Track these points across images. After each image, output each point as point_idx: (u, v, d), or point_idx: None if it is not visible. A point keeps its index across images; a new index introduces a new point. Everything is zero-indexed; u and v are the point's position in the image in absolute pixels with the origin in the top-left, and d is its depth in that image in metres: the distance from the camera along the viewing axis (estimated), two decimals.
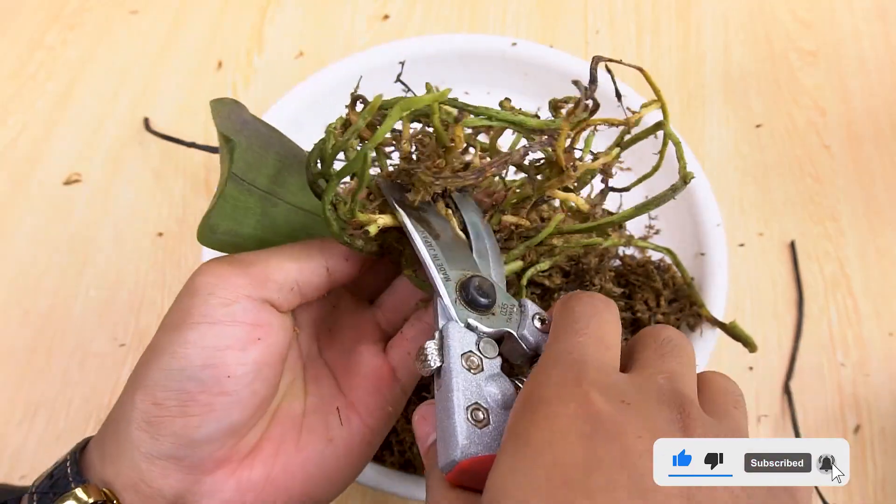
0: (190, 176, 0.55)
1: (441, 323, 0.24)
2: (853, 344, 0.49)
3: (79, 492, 0.23)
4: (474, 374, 0.23)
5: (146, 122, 0.56)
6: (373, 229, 0.25)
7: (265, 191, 0.27)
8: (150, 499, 0.24)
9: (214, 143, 0.55)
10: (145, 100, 0.58)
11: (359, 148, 0.27)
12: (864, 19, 0.63)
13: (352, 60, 0.52)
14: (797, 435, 0.45)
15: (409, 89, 0.53)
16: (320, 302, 0.29)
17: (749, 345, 0.40)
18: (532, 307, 0.26)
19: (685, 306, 0.43)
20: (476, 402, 0.23)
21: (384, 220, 0.26)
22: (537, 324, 0.26)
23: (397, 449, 0.39)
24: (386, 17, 0.63)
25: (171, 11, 0.63)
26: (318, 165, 0.26)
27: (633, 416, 0.19)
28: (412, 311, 0.30)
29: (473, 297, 0.25)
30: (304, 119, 0.51)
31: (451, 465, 0.21)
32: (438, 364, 0.23)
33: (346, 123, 0.27)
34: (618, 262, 0.46)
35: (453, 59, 0.54)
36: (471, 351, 0.24)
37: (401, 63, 0.46)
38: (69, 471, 0.24)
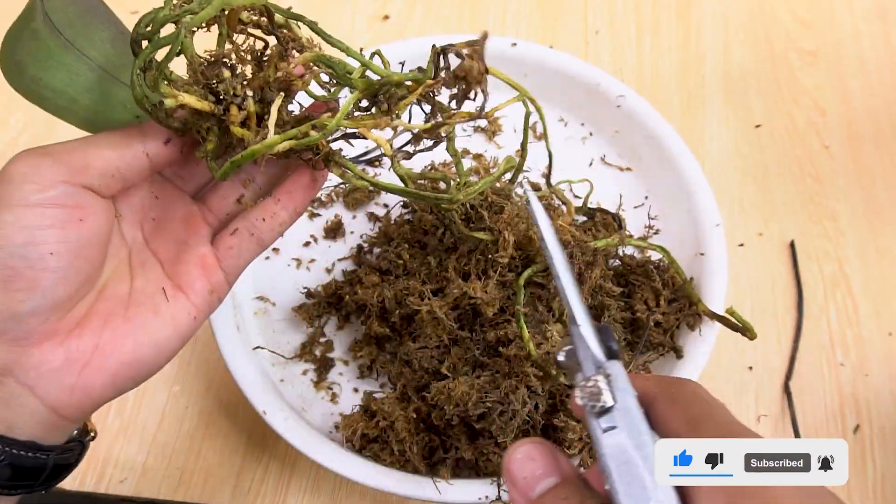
0: None
1: (591, 359, 0.23)
2: (853, 344, 0.49)
3: None
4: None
5: None
6: (169, 103, 0.26)
7: (105, 70, 0.28)
8: None
9: None
10: None
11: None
12: (864, 19, 0.63)
13: (352, 60, 0.52)
14: (797, 435, 0.45)
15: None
16: (142, 191, 0.31)
17: (748, 331, 0.40)
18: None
19: (684, 306, 0.43)
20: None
21: (187, 99, 0.26)
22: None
23: (397, 449, 0.39)
24: (386, 17, 0.63)
25: None
26: (147, 28, 0.27)
27: None
28: (234, 210, 0.32)
29: (611, 346, 0.23)
30: None
31: None
32: (612, 403, 0.21)
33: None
34: (617, 262, 0.46)
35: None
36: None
37: (401, 63, 0.46)
38: None
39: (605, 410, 0.21)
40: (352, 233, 0.50)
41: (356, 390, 0.45)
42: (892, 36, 0.62)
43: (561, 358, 0.24)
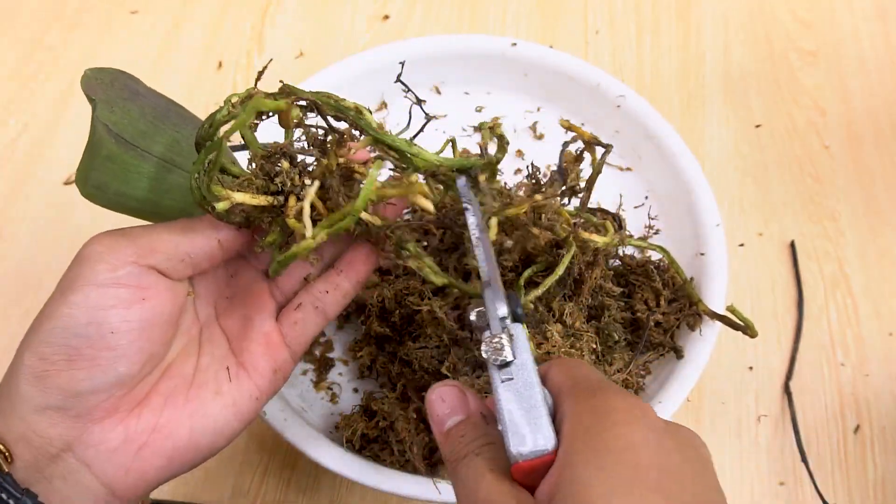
0: None
1: (498, 319, 0.26)
2: (853, 344, 0.49)
3: None
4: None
5: None
6: (221, 206, 0.27)
7: (161, 158, 0.29)
8: (40, 448, 0.26)
9: None
10: None
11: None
12: (864, 19, 0.63)
13: (352, 61, 0.52)
14: (797, 435, 0.45)
15: (408, 89, 0.53)
16: (218, 271, 0.31)
17: (749, 329, 0.40)
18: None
19: (685, 306, 0.43)
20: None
21: (240, 198, 0.27)
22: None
23: (397, 449, 0.39)
24: (386, 17, 0.63)
25: (171, 11, 0.63)
26: (209, 129, 0.28)
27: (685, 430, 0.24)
28: (301, 286, 0.33)
29: (517, 311, 0.27)
30: None
31: (534, 455, 0.23)
32: (512, 358, 0.25)
33: (248, 97, 0.28)
34: (617, 262, 0.46)
35: (453, 59, 0.54)
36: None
37: (401, 63, 0.46)
38: None
39: (505, 364, 0.25)
40: None
41: (356, 390, 0.45)
42: (892, 36, 0.62)
43: (472, 318, 0.27)
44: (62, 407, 0.26)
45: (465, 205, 0.29)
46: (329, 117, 0.29)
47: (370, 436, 0.41)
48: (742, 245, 0.52)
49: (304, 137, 0.29)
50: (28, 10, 0.63)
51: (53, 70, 0.59)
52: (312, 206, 0.28)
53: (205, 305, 0.31)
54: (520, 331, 0.25)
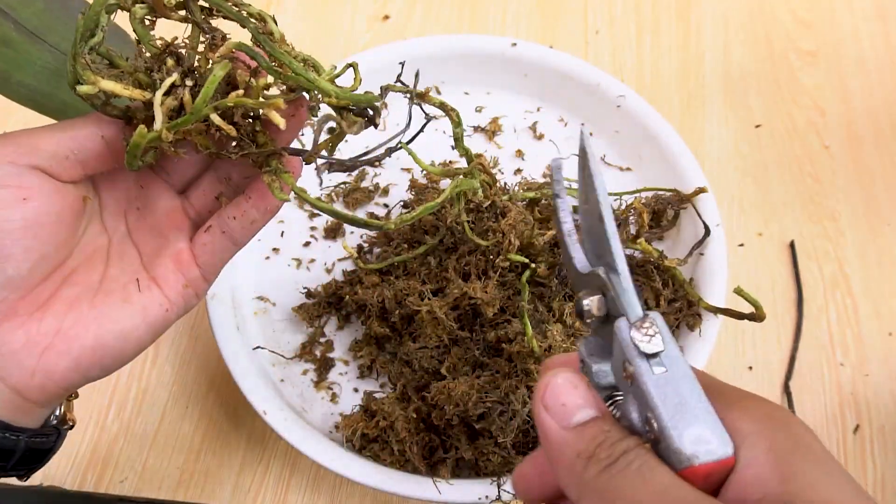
0: None
1: (640, 305, 0.22)
2: (852, 344, 0.49)
3: None
4: None
5: None
6: (84, 89, 0.25)
7: (66, 54, 0.28)
8: None
9: None
10: None
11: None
12: (864, 19, 0.63)
13: (352, 60, 0.52)
14: None
15: (408, 89, 0.53)
16: (127, 182, 0.31)
17: (757, 310, 0.40)
18: None
19: (684, 306, 0.43)
20: None
21: (108, 85, 0.26)
22: None
23: (397, 449, 0.39)
24: (386, 17, 0.63)
25: None
26: (93, 14, 0.26)
27: None
28: (215, 206, 0.31)
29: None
30: None
31: (715, 458, 0.19)
32: (663, 347, 0.20)
33: None
34: None
35: (453, 59, 0.54)
36: None
37: (401, 63, 0.46)
38: None
39: (655, 354, 0.20)
40: (352, 233, 0.50)
41: (356, 390, 0.45)
42: (892, 36, 0.62)
43: (588, 305, 0.22)
44: None
45: (591, 168, 0.24)
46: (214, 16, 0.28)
47: (370, 436, 0.41)
48: (742, 245, 0.52)
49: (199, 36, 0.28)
50: None
51: None
52: (182, 107, 0.27)
53: (113, 216, 0.31)
54: (660, 319, 0.21)
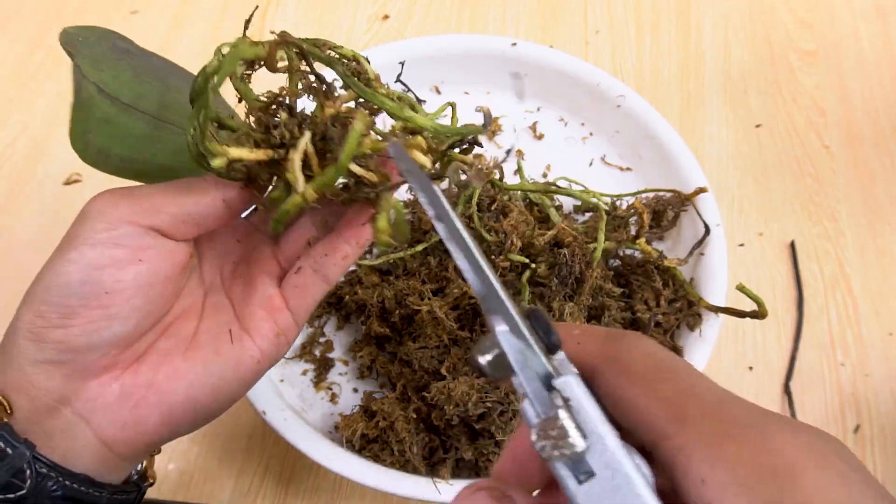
0: None
1: (534, 379, 0.17)
2: (853, 344, 0.49)
3: None
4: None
5: None
6: (217, 163, 0.25)
7: (159, 119, 0.28)
8: (36, 399, 0.26)
9: None
10: None
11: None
12: (864, 19, 0.63)
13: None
14: None
15: (408, 89, 0.53)
16: (226, 235, 0.31)
17: (760, 307, 0.40)
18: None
19: (685, 306, 0.43)
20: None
21: (237, 153, 0.26)
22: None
23: (397, 449, 0.39)
24: (386, 17, 0.63)
25: (170, 11, 0.63)
26: (200, 82, 0.26)
27: None
28: (304, 250, 0.31)
29: (550, 338, 0.18)
30: None
31: None
32: (584, 446, 0.16)
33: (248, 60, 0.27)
34: (618, 262, 0.46)
35: (453, 59, 0.54)
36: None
37: (401, 63, 0.46)
38: None
39: (575, 457, 0.16)
40: None
41: (356, 390, 0.45)
42: (892, 36, 0.62)
43: (482, 363, 0.17)
44: (58, 361, 0.26)
45: (407, 176, 0.21)
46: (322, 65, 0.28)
47: (370, 436, 0.41)
48: (742, 245, 0.52)
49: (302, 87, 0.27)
50: (28, 10, 0.63)
51: (53, 70, 0.59)
52: (309, 162, 0.26)
53: (210, 269, 0.31)
54: (576, 386, 0.17)
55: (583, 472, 0.16)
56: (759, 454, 0.16)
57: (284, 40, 0.26)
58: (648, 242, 0.45)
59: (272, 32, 0.27)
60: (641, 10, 0.64)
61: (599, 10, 0.63)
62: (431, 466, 0.40)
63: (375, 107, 0.28)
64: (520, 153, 0.53)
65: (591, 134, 0.54)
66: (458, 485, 0.39)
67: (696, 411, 0.17)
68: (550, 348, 0.18)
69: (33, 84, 0.59)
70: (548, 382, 0.17)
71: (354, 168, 0.26)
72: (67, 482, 0.26)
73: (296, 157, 0.26)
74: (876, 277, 0.51)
